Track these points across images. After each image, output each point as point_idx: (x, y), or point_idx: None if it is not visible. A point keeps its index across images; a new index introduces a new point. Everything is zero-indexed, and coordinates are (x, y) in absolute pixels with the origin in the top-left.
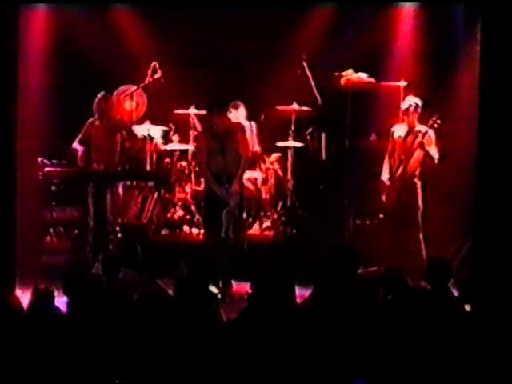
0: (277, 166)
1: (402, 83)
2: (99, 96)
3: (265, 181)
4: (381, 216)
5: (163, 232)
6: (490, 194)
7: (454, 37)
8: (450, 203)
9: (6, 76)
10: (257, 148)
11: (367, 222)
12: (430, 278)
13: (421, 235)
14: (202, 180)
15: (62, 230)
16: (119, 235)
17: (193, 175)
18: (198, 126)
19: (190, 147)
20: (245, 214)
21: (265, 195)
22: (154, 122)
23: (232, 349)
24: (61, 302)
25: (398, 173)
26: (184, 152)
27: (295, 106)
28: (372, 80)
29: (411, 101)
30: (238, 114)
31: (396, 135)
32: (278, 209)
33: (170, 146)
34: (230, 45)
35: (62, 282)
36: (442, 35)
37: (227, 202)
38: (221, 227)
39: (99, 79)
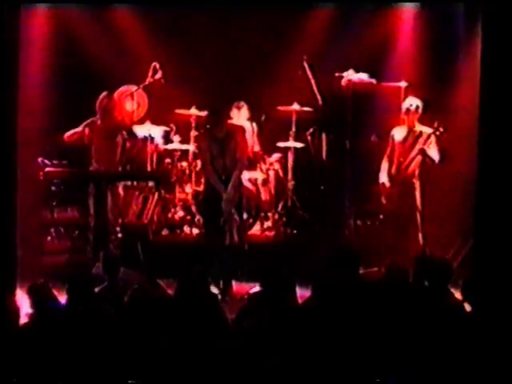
0: (277, 166)
1: (403, 84)
2: (102, 95)
3: (265, 181)
4: (381, 217)
5: (164, 232)
6: (490, 193)
7: (455, 37)
8: (450, 203)
9: (7, 76)
10: (257, 148)
11: (368, 223)
12: (430, 278)
13: (421, 235)
14: (203, 180)
15: (62, 230)
16: (120, 235)
17: (193, 175)
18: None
19: (191, 147)
20: (245, 215)
21: (265, 196)
22: (155, 123)
23: (232, 348)
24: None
25: (398, 174)
26: (185, 152)
27: (296, 106)
28: (373, 81)
29: (411, 102)
30: (241, 115)
31: (396, 137)
32: (279, 209)
33: (170, 146)
34: (231, 45)
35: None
36: (443, 35)
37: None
38: (221, 228)
39: (100, 79)
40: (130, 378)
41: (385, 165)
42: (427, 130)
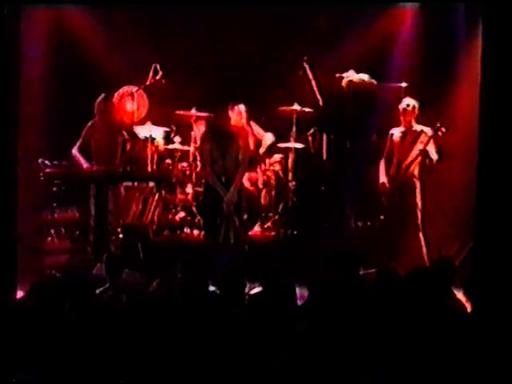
0: (278, 167)
1: (404, 84)
2: (99, 98)
3: (266, 182)
4: (381, 217)
5: (164, 233)
6: (490, 193)
7: (456, 37)
8: (451, 203)
9: (7, 76)
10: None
11: (368, 223)
12: (434, 278)
13: (421, 235)
14: (203, 181)
15: (62, 230)
16: (120, 236)
17: (194, 176)
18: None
19: (192, 148)
20: (246, 215)
21: (266, 196)
22: (156, 123)
23: (232, 348)
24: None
25: (398, 174)
26: (185, 153)
27: (296, 106)
28: (373, 81)
29: (408, 102)
30: (241, 116)
31: (395, 137)
32: (279, 210)
33: (171, 147)
34: (232, 46)
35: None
36: (443, 35)
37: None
38: (221, 228)
39: (100, 80)
40: (130, 378)
41: (384, 165)
42: (427, 129)
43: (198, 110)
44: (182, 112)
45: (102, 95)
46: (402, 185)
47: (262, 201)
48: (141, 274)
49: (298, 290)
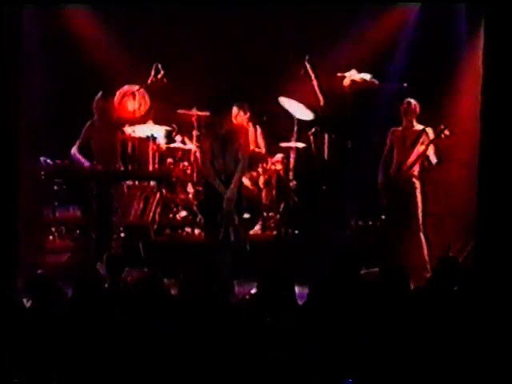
0: (279, 166)
1: (405, 84)
2: (98, 96)
3: (267, 181)
4: (382, 217)
5: (165, 232)
6: (491, 193)
7: (457, 37)
8: (451, 203)
9: (8, 75)
10: (260, 149)
11: (369, 223)
12: (437, 278)
13: (421, 235)
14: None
15: (64, 229)
16: (122, 235)
17: (195, 175)
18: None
19: (193, 147)
20: (246, 215)
21: (267, 195)
22: (157, 122)
23: (233, 348)
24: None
25: (399, 174)
26: (186, 152)
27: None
28: (375, 81)
29: (410, 101)
30: (242, 115)
31: (395, 137)
32: (280, 209)
33: (172, 146)
34: (232, 45)
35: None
36: (445, 35)
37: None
38: (221, 227)
39: (101, 79)
40: (130, 378)
41: (385, 164)
42: (428, 129)
43: (199, 109)
44: (183, 111)
45: (100, 93)
46: (403, 184)
47: (263, 200)
48: (142, 272)
49: (297, 290)
